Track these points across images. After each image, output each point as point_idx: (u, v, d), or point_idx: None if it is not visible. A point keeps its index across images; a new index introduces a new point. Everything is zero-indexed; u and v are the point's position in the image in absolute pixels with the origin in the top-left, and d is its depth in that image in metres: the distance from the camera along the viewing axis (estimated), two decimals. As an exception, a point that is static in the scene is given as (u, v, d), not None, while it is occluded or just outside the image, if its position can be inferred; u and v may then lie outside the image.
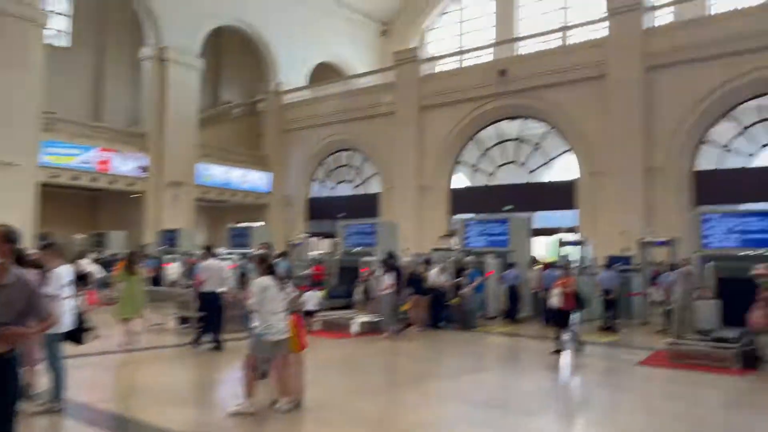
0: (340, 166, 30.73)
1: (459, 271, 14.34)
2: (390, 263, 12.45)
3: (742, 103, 19.64)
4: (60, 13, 28.76)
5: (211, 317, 10.51)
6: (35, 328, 3.74)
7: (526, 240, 16.59)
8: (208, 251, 11.18)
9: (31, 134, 22.12)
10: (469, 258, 14.53)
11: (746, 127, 19.64)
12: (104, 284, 17.07)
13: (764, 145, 19.41)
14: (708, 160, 20.39)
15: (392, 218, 24.45)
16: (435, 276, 13.25)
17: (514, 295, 14.67)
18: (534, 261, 15.68)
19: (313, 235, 29.06)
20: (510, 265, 14.86)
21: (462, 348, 11.46)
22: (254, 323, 6.34)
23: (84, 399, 6.70)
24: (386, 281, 12.18)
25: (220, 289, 10.66)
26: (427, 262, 13.71)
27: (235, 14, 28.98)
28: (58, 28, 28.39)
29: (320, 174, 31.41)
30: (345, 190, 30.44)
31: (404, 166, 26.58)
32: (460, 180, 26.52)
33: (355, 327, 12.19)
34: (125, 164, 25.39)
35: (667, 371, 9.03)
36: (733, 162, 19.96)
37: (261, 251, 8.46)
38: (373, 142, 28.18)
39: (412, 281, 12.87)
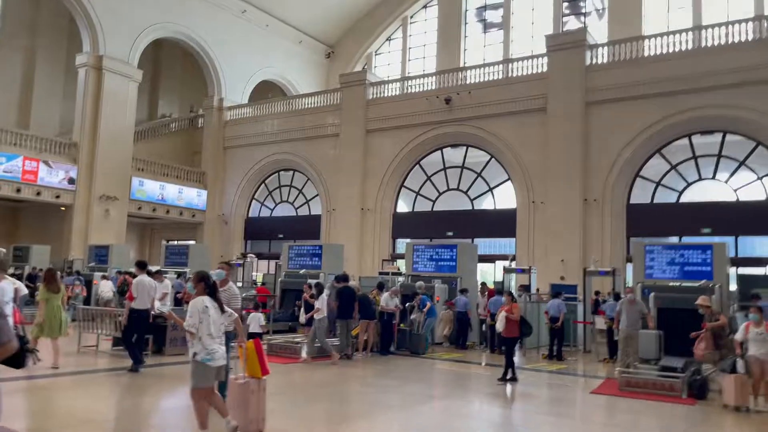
0: (281, 187, 30.24)
1: (406, 297, 14.24)
2: (319, 287, 12.19)
3: (673, 141, 20.71)
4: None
5: (137, 335, 10.18)
6: None
7: (473, 266, 16.70)
8: (141, 267, 10.66)
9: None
10: (419, 283, 14.43)
11: (676, 165, 20.67)
12: (28, 302, 15.96)
13: (692, 183, 20.45)
14: (642, 193, 21.29)
15: (334, 241, 24.21)
16: (387, 300, 13.06)
17: (463, 321, 14.66)
18: (483, 287, 15.77)
19: (246, 255, 28.35)
20: (462, 291, 14.87)
21: (414, 375, 11.27)
22: (194, 348, 5.84)
23: (20, 430, 6.08)
24: (316, 305, 11.88)
25: (153, 307, 10.52)
26: (380, 287, 13.50)
27: (177, 27, 28.23)
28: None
29: (260, 193, 30.79)
30: (285, 211, 29.93)
31: (348, 188, 26.43)
32: (402, 205, 26.59)
33: (305, 352, 11.80)
34: (53, 175, 23.99)
35: (620, 400, 9.12)
36: (663, 197, 20.93)
37: (217, 269, 8.00)
38: (317, 163, 27.93)
39: (361, 305, 12.62)
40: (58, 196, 24.21)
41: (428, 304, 13.47)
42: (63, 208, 24.99)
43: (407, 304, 13.87)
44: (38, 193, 23.51)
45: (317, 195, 28.37)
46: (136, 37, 26.54)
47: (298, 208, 29.49)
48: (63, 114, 28.54)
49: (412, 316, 13.57)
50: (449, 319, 14.94)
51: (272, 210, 30.35)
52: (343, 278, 12.65)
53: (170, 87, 33.82)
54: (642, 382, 9.48)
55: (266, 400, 6.36)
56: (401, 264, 24.68)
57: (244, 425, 6.12)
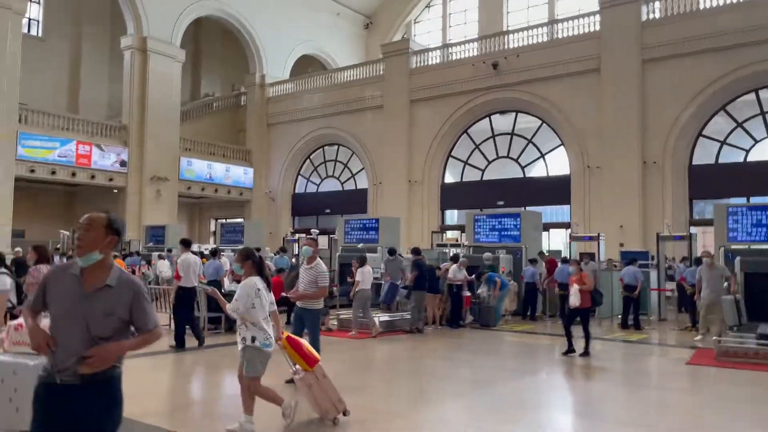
0: (327, 161, 30.07)
1: (471, 268, 13.91)
2: (362, 258, 11.92)
3: (738, 97, 19.72)
4: (32, 1, 27.43)
5: (187, 313, 10.21)
6: (137, 342, 3.01)
7: (537, 234, 16.26)
8: (186, 246, 10.61)
9: (9, 126, 21.00)
10: (486, 254, 14.05)
11: (743, 122, 19.70)
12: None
13: (760, 140, 19.47)
14: (705, 153, 20.41)
15: (381, 214, 23.96)
16: (455, 272, 12.79)
17: (531, 292, 14.33)
18: (542, 256, 15.35)
19: (297, 231, 28.35)
20: (531, 261, 14.49)
21: (487, 348, 11.01)
22: (250, 333, 5.32)
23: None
24: (357, 278, 11.59)
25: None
26: (455, 260, 13.15)
27: (217, 4, 28.03)
28: (30, 17, 27.08)
29: (305, 169, 30.70)
30: (331, 186, 29.79)
31: (394, 160, 26.08)
32: (449, 175, 26.13)
33: (376, 326, 11.66)
34: (106, 158, 24.28)
35: (721, 371, 8.65)
36: (728, 156, 20.02)
37: (304, 246, 7.77)
38: (361, 136, 27.61)
39: (430, 279, 12.39)
40: (111, 179, 24.54)
41: (497, 280, 13.07)
42: (115, 191, 25.33)
43: (473, 276, 13.56)
44: (92, 177, 23.86)
45: (363, 168, 28.12)
46: (177, 16, 26.45)
47: (344, 182, 29.31)
48: (110, 97, 28.81)
49: (479, 291, 13.26)
50: (513, 292, 14.57)
51: (318, 185, 30.26)
52: (415, 251, 12.41)
53: (211, 66, 33.78)
54: (741, 351, 9.01)
55: (334, 383, 5.90)
56: (451, 235, 24.39)
57: (321, 414, 5.86)
